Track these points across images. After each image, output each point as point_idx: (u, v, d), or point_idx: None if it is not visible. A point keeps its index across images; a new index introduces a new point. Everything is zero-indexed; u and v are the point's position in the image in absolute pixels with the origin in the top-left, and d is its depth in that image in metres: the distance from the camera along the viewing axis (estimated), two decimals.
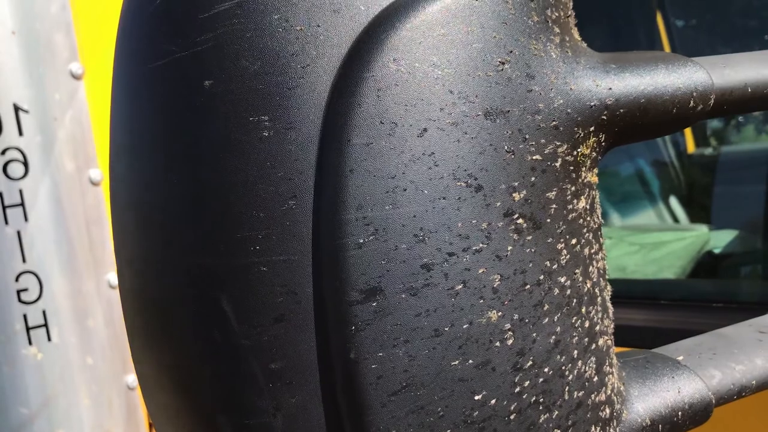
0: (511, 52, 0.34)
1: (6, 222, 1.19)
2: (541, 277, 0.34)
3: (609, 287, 0.39)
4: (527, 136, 0.34)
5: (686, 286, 1.73)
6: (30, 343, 1.21)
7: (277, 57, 0.32)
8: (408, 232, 0.32)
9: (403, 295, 0.32)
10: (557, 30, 0.36)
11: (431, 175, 0.32)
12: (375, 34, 0.32)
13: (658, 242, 1.76)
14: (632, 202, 2.41)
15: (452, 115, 0.32)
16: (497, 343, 0.33)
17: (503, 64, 0.34)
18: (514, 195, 0.33)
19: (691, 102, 0.39)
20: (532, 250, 0.34)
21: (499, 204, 0.33)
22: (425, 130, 0.32)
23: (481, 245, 0.33)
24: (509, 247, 0.33)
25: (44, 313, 1.22)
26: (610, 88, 0.37)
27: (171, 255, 0.34)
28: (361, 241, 0.31)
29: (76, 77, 1.28)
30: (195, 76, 0.33)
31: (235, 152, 0.32)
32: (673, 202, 2.46)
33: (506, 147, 0.33)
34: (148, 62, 0.35)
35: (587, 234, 0.37)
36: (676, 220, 2.39)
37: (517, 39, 0.34)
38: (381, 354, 0.32)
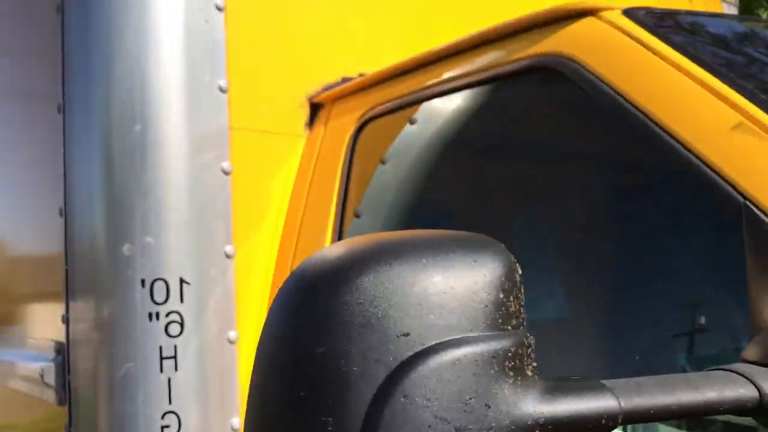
0: (476, 391, 0.58)
1: (161, 370, 1.52)
2: None
3: None
4: None
5: None
6: None
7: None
8: None
9: None
10: (512, 374, 0.60)
11: None
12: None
13: None
14: None
15: None
16: None
17: (471, 399, 0.58)
18: None
19: (603, 420, 0.62)
20: None
21: None
22: None
23: None
24: None
25: None
26: (542, 413, 0.60)
27: None
28: None
29: (228, 257, 1.63)
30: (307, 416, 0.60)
31: None
32: None
33: None
34: (275, 394, 0.62)
35: None
36: None
37: (480, 382, 0.59)
38: None
